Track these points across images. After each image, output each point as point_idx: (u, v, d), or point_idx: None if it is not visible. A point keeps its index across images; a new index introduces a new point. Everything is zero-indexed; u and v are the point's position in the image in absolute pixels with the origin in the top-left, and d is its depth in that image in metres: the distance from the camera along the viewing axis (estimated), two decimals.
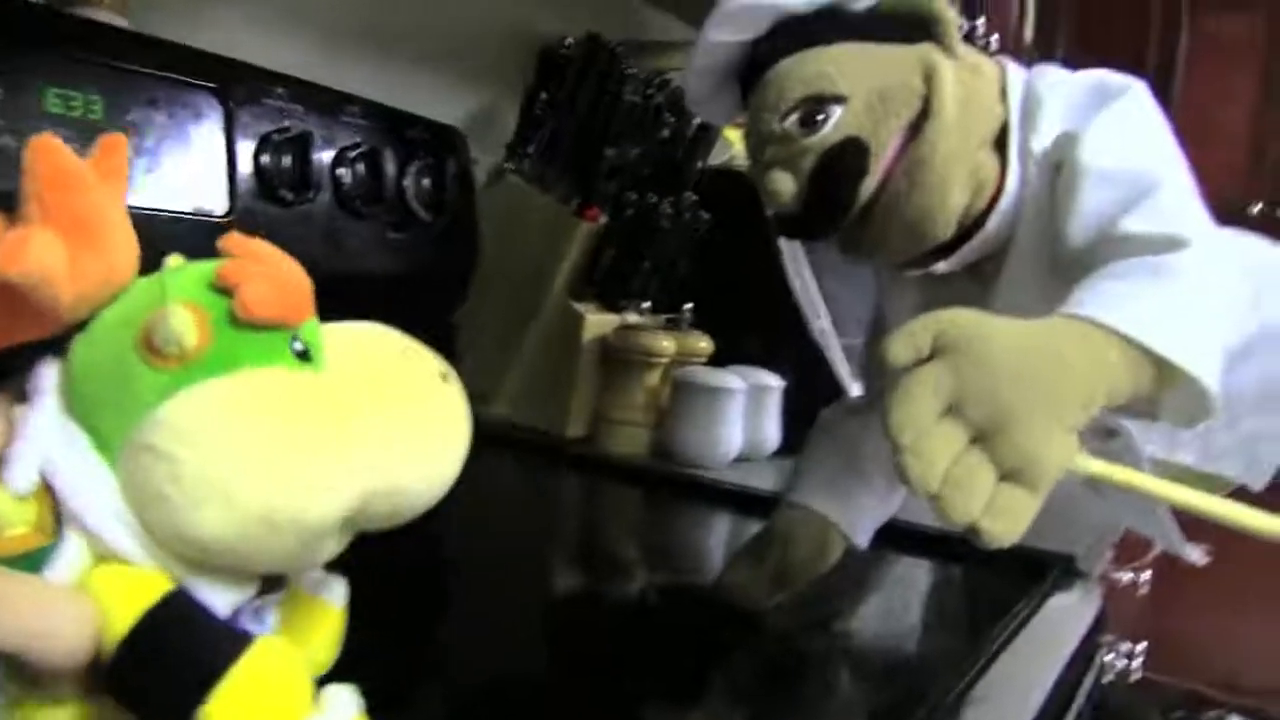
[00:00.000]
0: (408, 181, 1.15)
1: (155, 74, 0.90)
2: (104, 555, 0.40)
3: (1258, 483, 0.84)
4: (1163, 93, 3.46)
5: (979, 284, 0.76)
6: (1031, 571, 1.00)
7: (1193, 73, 3.49)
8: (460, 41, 1.45)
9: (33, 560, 0.39)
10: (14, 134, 0.77)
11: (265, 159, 0.98)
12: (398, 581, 0.83)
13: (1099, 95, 0.71)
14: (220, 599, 0.41)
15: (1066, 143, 0.69)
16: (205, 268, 0.42)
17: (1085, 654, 0.96)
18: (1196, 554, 0.93)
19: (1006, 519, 0.52)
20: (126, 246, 0.42)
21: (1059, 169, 0.70)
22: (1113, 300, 0.58)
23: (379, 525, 0.44)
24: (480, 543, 1.02)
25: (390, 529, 0.45)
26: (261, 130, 0.99)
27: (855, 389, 1.44)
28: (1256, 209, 3.36)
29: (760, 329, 1.49)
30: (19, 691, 0.39)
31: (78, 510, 0.39)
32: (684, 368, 1.38)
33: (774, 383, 1.42)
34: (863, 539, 0.88)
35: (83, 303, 0.41)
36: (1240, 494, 0.81)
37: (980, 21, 2.30)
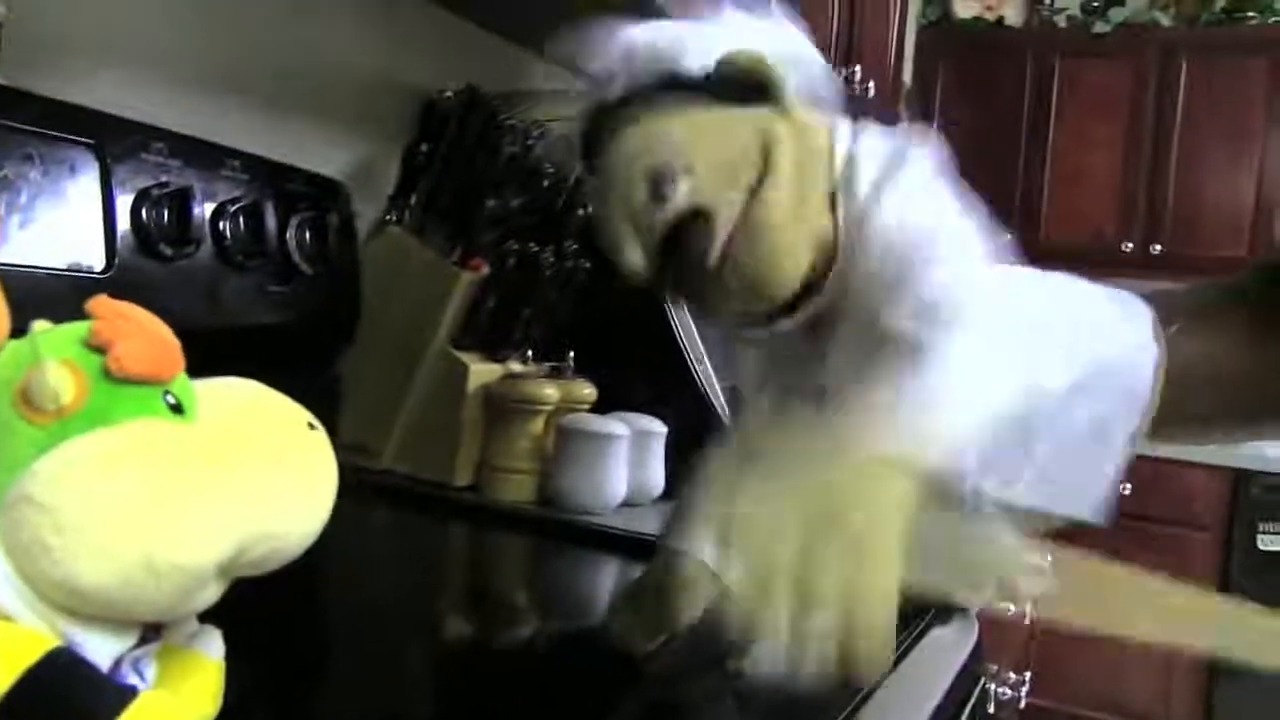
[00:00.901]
0: (289, 234, 1.15)
1: (29, 129, 0.89)
2: None
3: (1099, 518, 0.87)
4: (1039, 137, 3.59)
5: (818, 341, 0.78)
6: (912, 607, 1.01)
7: (1065, 118, 3.63)
8: (341, 94, 1.45)
9: None
10: None
11: (144, 214, 0.98)
12: (286, 634, 0.83)
13: (892, 164, 0.74)
14: (102, 649, 0.42)
15: (866, 211, 0.72)
16: (78, 327, 0.43)
17: (964, 685, 0.98)
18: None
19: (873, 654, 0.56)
20: None
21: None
22: (885, 425, 0.62)
23: (254, 571, 0.45)
24: (368, 593, 1.01)
25: (265, 575, 0.46)
26: (140, 185, 0.98)
27: None
28: (1129, 248, 3.49)
29: (643, 375, 1.51)
30: None
31: None
32: (568, 415, 1.38)
33: (658, 428, 1.43)
34: None
35: None
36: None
37: (857, 69, 2.34)
